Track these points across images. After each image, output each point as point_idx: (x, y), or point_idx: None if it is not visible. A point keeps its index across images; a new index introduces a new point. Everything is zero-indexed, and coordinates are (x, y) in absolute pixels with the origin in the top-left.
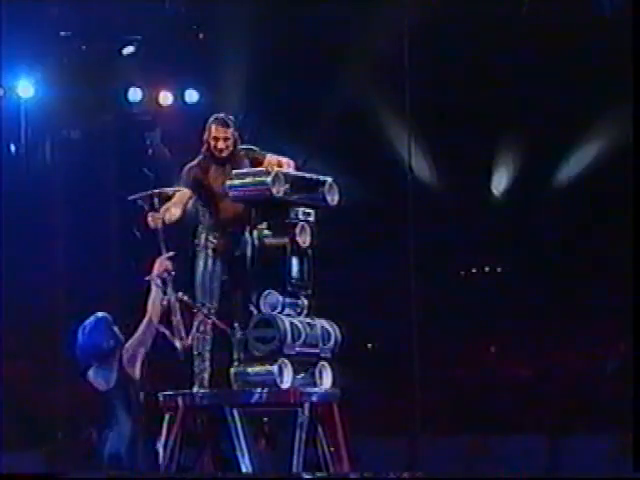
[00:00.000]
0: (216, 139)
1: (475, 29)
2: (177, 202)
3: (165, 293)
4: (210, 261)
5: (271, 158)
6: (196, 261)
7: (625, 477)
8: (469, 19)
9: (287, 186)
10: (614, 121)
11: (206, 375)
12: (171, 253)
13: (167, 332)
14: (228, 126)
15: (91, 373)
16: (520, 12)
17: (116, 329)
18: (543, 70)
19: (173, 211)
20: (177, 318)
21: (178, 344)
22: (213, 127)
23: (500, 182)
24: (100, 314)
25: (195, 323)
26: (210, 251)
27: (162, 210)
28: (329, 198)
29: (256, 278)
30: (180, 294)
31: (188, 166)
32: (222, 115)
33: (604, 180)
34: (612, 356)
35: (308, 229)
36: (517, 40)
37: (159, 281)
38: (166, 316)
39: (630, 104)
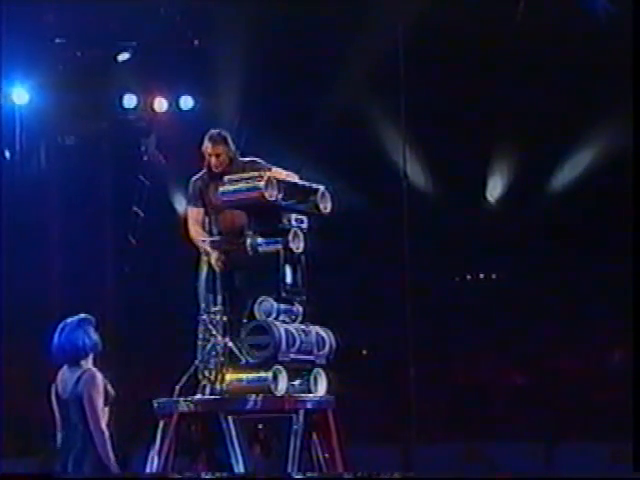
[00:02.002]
0: (210, 155)
1: (471, 34)
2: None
3: (215, 336)
4: (211, 270)
5: (276, 170)
6: (199, 270)
7: (625, 477)
8: (465, 24)
9: (281, 193)
10: (612, 128)
11: (209, 385)
12: None
13: (207, 374)
14: (217, 143)
15: (60, 375)
16: (516, 16)
17: (96, 333)
18: (540, 75)
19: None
20: (213, 361)
21: (208, 385)
22: (205, 143)
23: (495, 188)
24: (83, 315)
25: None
26: (212, 260)
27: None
28: (322, 206)
29: (250, 285)
30: (227, 340)
31: (193, 179)
32: (215, 131)
33: (602, 185)
34: (611, 361)
35: (301, 235)
36: (514, 45)
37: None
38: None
39: (629, 108)
